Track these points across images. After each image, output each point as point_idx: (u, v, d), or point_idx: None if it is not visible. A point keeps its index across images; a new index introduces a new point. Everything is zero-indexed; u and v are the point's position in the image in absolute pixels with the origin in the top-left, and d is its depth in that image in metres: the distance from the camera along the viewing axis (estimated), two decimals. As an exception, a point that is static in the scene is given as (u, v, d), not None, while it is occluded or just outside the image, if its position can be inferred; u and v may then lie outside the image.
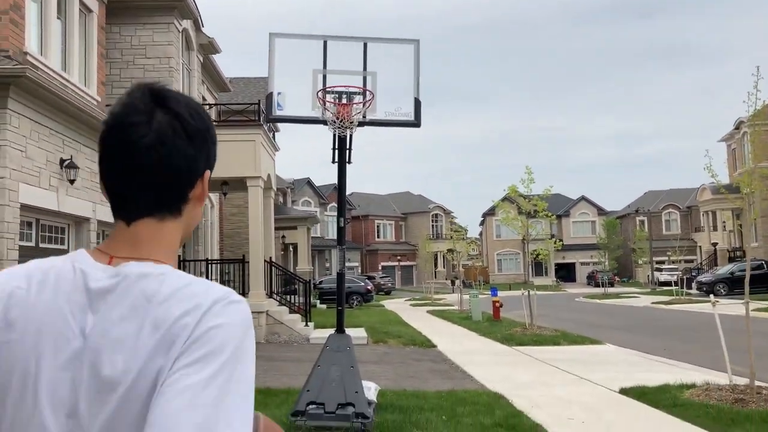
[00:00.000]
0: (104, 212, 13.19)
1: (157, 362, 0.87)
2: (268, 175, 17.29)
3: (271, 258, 17.23)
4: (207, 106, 18.54)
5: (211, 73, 20.72)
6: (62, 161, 11.39)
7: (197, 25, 17.77)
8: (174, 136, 1.00)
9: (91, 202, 12.60)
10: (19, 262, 9.92)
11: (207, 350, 0.87)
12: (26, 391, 0.91)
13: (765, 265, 33.56)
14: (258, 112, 16.59)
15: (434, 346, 14.70)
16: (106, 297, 0.94)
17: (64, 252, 12.08)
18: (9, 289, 0.98)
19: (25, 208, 10.21)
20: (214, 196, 21.97)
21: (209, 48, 18.99)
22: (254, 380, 0.90)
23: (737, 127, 42.23)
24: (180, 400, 0.83)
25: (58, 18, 12.73)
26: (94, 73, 14.13)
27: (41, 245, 11.21)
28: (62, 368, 0.91)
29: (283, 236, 31.93)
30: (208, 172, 1.07)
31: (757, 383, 7.92)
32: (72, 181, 11.57)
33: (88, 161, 12.55)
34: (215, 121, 18.58)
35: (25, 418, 0.91)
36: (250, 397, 0.88)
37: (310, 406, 6.71)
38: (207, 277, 16.54)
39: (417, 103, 6.90)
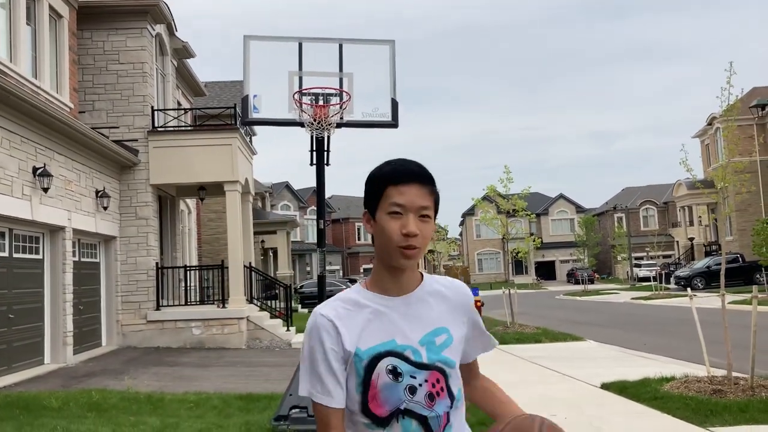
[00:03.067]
0: (80, 220, 13.01)
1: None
2: (246, 180, 17.18)
3: (250, 263, 17.12)
4: (182, 111, 18.39)
5: (185, 77, 20.55)
6: (35, 169, 11.22)
7: (171, 30, 17.61)
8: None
9: (66, 210, 12.41)
10: (-7, 272, 9.75)
11: None
12: None
13: (740, 259, 34.13)
14: (234, 116, 16.48)
15: (417, 346, 14.68)
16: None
17: (39, 261, 11.90)
18: None
19: (-3, 217, 10.03)
20: (192, 202, 21.78)
21: (183, 52, 18.84)
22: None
23: (710, 123, 42.88)
24: None
25: (27, 24, 12.53)
26: (66, 80, 13.94)
27: (15, 255, 11.02)
28: None
29: (263, 241, 31.73)
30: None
31: (734, 374, 8.02)
32: (46, 189, 11.39)
33: (63, 169, 12.37)
34: (190, 126, 18.43)
35: None
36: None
37: (293, 411, 6.66)
38: (185, 284, 16.38)
39: (394, 104, 6.89)
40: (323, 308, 1.62)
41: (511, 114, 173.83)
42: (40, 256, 12.00)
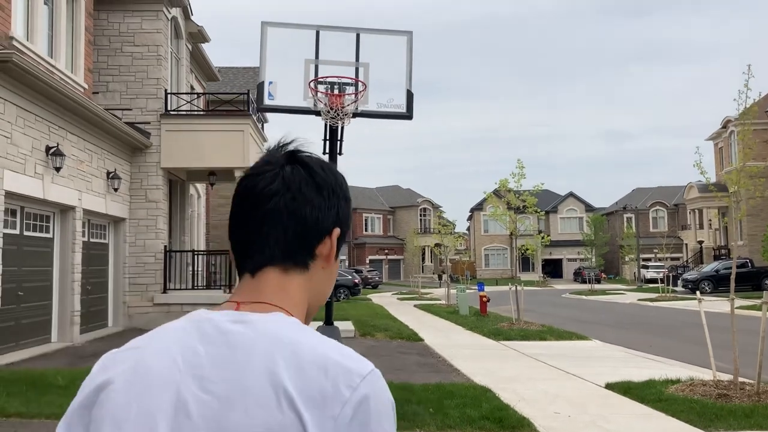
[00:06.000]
0: (90, 200, 13.07)
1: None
2: (257, 166, 17.18)
3: (258, 249, 17.12)
4: (195, 96, 18.40)
5: (199, 62, 20.54)
6: (48, 148, 11.26)
7: (186, 14, 17.59)
8: (301, 183, 1.02)
9: (77, 191, 12.46)
10: (3, 250, 9.81)
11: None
12: None
13: (749, 264, 33.90)
14: (247, 102, 16.46)
15: (421, 339, 14.71)
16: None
17: (49, 240, 11.97)
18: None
19: (9, 195, 10.08)
20: (201, 187, 21.83)
21: (198, 37, 18.82)
22: None
23: (724, 126, 42.54)
24: None
25: (45, 4, 12.55)
26: (81, 60, 13.96)
27: (26, 233, 11.09)
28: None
29: (271, 228, 31.73)
30: (337, 230, 1.04)
31: (740, 379, 7.99)
32: (58, 169, 11.43)
33: (75, 149, 12.41)
34: (203, 110, 18.45)
35: None
36: None
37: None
38: (193, 268, 16.43)
39: (409, 96, 6.86)
40: None
41: (523, 110, 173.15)
42: (50, 235, 12.06)
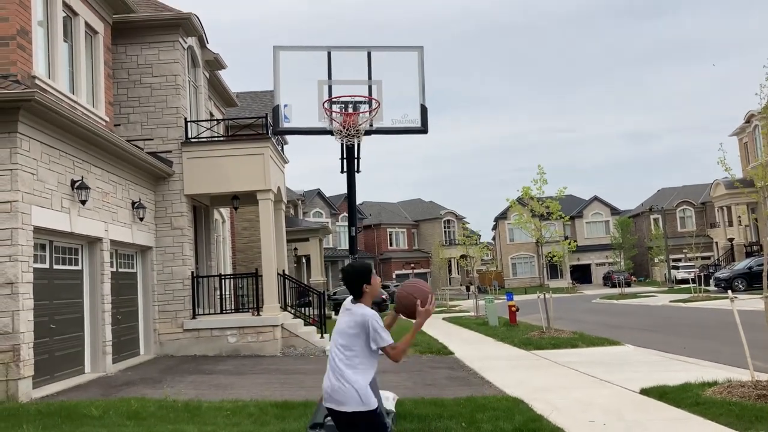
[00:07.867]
0: (116, 231, 13.26)
1: (359, 329, 4.10)
2: (278, 188, 17.31)
3: (284, 271, 17.22)
4: (215, 122, 18.64)
5: (217, 88, 20.83)
6: (73, 182, 11.46)
7: (202, 42, 17.88)
8: (354, 273, 4.30)
9: (103, 222, 12.65)
10: (34, 284, 9.98)
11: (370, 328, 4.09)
12: None
13: (783, 259, 33.17)
14: (266, 126, 16.63)
15: (451, 353, 14.61)
16: (347, 311, 4.25)
17: (78, 272, 12.16)
18: None
19: (38, 230, 10.28)
20: (225, 211, 22.04)
21: (215, 64, 19.10)
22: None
23: (748, 121, 41.92)
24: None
25: (64, 41, 12.85)
26: (102, 94, 14.24)
27: (55, 267, 11.27)
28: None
29: (296, 248, 31.94)
30: (366, 285, 4.25)
31: (780, 379, 7.79)
32: (84, 202, 11.63)
33: (99, 181, 12.63)
34: (223, 136, 18.69)
35: None
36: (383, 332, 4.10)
37: (328, 418, 6.65)
38: (220, 293, 16.58)
39: (423, 110, 6.89)
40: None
41: (541, 116, 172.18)
42: (79, 267, 12.25)
